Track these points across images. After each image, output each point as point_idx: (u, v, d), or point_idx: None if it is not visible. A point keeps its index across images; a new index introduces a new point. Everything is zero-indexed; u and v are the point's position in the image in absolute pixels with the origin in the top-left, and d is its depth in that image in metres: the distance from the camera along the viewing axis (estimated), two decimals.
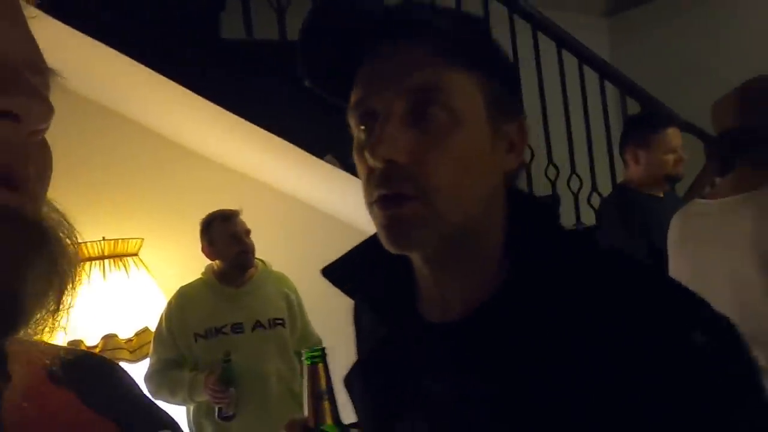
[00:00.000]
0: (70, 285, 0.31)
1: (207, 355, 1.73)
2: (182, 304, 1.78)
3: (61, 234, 0.31)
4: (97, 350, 1.82)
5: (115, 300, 1.88)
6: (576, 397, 0.40)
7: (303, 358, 0.51)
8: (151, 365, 1.77)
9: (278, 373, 1.78)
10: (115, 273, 1.93)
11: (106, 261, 1.93)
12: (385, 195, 0.44)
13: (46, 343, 0.37)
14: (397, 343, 0.53)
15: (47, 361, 0.37)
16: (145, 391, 0.45)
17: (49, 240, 0.30)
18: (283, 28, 1.77)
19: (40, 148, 0.31)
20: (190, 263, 2.19)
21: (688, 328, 0.39)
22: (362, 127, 0.47)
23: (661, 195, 1.83)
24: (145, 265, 2.06)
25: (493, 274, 0.48)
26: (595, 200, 2.24)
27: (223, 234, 1.77)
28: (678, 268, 1.16)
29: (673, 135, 1.78)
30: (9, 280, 0.27)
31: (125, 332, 1.88)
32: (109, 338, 1.85)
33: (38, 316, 0.30)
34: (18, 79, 0.28)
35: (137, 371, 1.92)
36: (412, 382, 0.50)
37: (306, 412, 0.51)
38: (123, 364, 1.91)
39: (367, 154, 0.44)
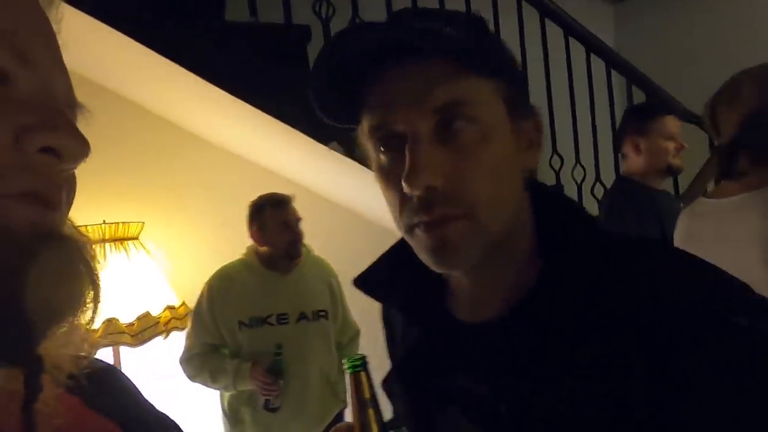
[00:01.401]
0: (97, 295, 0.33)
1: (251, 344, 1.69)
2: (226, 287, 1.73)
3: (86, 249, 0.33)
4: (98, 334, 1.82)
5: (116, 284, 1.87)
6: (611, 393, 0.40)
7: (345, 367, 0.52)
8: (190, 348, 1.73)
9: (320, 366, 1.76)
10: (115, 256, 1.91)
11: (107, 244, 1.91)
12: (427, 221, 0.45)
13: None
14: (430, 343, 0.54)
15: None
16: (145, 395, 0.45)
17: (83, 255, 0.33)
18: (288, 11, 1.74)
19: (70, 176, 0.34)
20: (191, 247, 2.19)
21: (731, 312, 0.38)
22: (382, 149, 0.47)
23: (662, 188, 1.81)
24: (145, 249, 2.05)
25: (528, 272, 0.48)
26: (599, 191, 2.24)
27: (276, 221, 1.71)
28: None
29: (671, 122, 1.75)
30: (54, 291, 0.30)
31: (126, 317, 1.87)
32: (110, 322, 1.84)
33: (68, 323, 0.32)
34: (63, 119, 0.31)
35: (138, 356, 1.92)
36: (447, 380, 0.51)
37: (352, 419, 0.52)
38: (124, 349, 1.91)
39: (404, 184, 0.43)
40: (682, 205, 1.73)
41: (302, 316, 1.74)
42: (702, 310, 0.39)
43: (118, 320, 1.86)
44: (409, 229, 0.46)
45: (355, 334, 1.94)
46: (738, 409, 0.36)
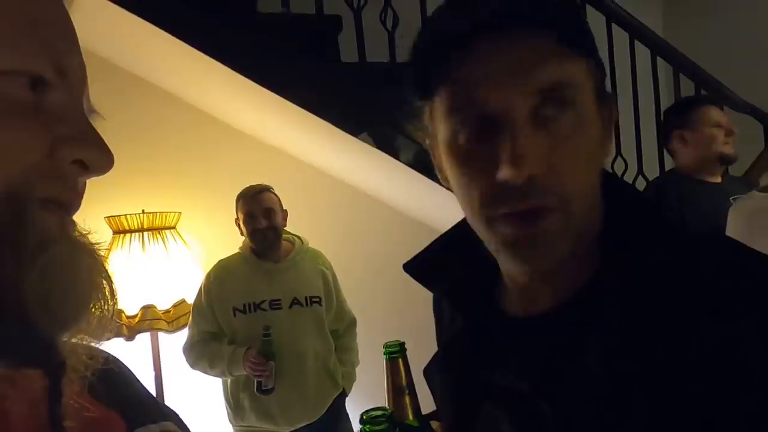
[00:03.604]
0: (110, 292, 0.34)
1: (245, 329, 1.76)
2: (222, 277, 1.81)
3: (94, 248, 0.35)
4: (136, 320, 1.89)
5: (154, 272, 1.93)
6: (678, 404, 0.36)
7: (383, 353, 0.50)
8: (190, 336, 1.81)
9: (314, 350, 1.80)
10: (153, 245, 1.97)
11: (146, 233, 1.98)
12: (520, 211, 0.41)
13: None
14: (474, 334, 0.51)
15: None
16: (146, 385, 0.46)
17: (91, 254, 0.34)
18: (320, 2, 1.73)
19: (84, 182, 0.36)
20: (226, 237, 2.23)
21: None
22: (464, 131, 0.42)
23: (719, 180, 1.73)
24: (182, 239, 2.10)
25: (586, 265, 0.45)
26: (641, 184, 2.14)
27: (243, 212, 1.78)
28: None
29: (715, 112, 1.71)
30: (77, 287, 0.32)
31: (163, 303, 1.94)
32: (147, 308, 1.90)
33: (85, 319, 0.33)
34: (93, 132, 0.33)
35: (174, 341, 1.98)
36: (489, 375, 0.48)
37: (387, 406, 0.50)
38: (161, 335, 1.98)
39: (505, 171, 0.39)
40: (732, 199, 1.64)
41: (295, 302, 1.79)
42: None
43: (155, 307, 1.92)
44: (491, 221, 0.43)
45: (352, 322, 1.96)
46: None
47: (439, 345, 0.61)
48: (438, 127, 0.45)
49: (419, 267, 0.55)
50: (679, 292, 0.39)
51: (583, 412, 0.40)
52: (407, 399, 0.50)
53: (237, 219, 1.83)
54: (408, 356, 0.52)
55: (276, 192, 1.85)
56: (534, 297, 0.47)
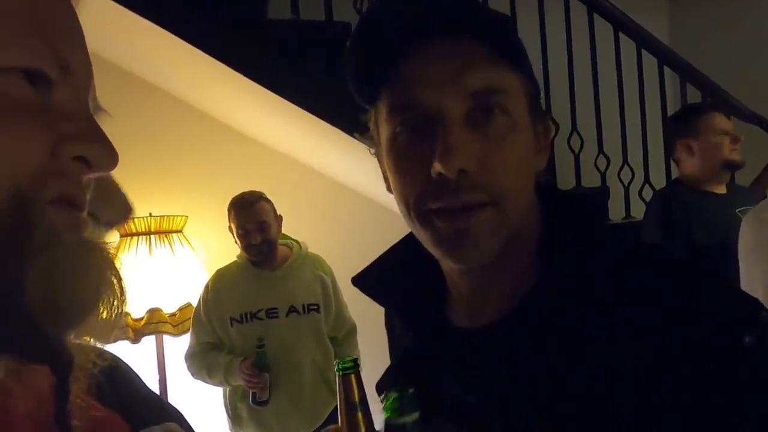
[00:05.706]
0: (120, 290, 0.34)
1: (242, 339, 1.75)
2: (218, 287, 1.80)
3: (106, 248, 0.34)
4: (142, 323, 1.89)
5: (160, 275, 1.94)
6: (614, 407, 0.38)
7: (335, 369, 0.51)
8: (191, 346, 1.82)
9: (312, 358, 1.79)
10: (160, 249, 1.98)
11: (152, 237, 1.98)
12: (450, 207, 0.43)
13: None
14: (426, 349, 0.53)
15: None
16: (150, 385, 0.46)
17: (104, 253, 0.34)
18: (329, 9, 1.75)
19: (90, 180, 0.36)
20: (232, 242, 2.24)
21: (739, 330, 0.37)
22: (402, 130, 0.45)
23: (724, 191, 1.72)
24: (189, 242, 2.11)
25: (528, 278, 0.47)
26: (648, 193, 2.14)
27: (236, 224, 1.75)
28: (750, 277, 1.09)
29: (720, 119, 1.69)
30: (87, 284, 0.32)
31: (169, 307, 1.94)
32: (153, 312, 1.91)
33: (93, 319, 0.32)
34: (97, 130, 0.33)
35: (179, 345, 1.99)
36: (440, 388, 0.49)
37: (340, 423, 0.51)
38: (166, 338, 1.98)
39: (437, 164, 0.41)
40: (738, 211, 1.64)
41: (293, 310, 1.77)
42: (713, 326, 0.38)
43: (161, 310, 1.92)
44: (425, 217, 0.45)
45: (352, 329, 1.94)
46: (733, 428, 0.36)
47: (391, 360, 0.62)
48: (381, 132, 0.48)
49: (368, 282, 0.56)
50: (619, 303, 0.40)
51: (528, 425, 0.41)
52: (360, 416, 0.50)
53: (230, 227, 1.80)
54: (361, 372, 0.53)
55: (269, 198, 1.80)
56: (479, 308, 0.49)
